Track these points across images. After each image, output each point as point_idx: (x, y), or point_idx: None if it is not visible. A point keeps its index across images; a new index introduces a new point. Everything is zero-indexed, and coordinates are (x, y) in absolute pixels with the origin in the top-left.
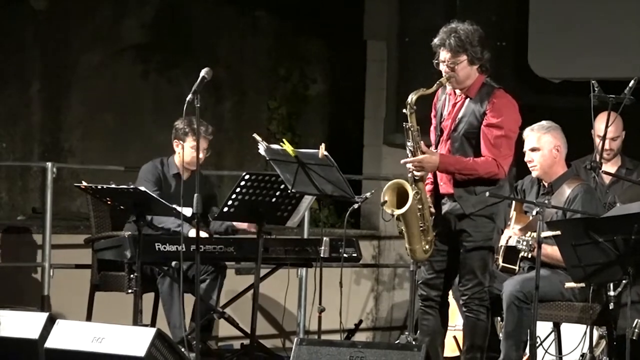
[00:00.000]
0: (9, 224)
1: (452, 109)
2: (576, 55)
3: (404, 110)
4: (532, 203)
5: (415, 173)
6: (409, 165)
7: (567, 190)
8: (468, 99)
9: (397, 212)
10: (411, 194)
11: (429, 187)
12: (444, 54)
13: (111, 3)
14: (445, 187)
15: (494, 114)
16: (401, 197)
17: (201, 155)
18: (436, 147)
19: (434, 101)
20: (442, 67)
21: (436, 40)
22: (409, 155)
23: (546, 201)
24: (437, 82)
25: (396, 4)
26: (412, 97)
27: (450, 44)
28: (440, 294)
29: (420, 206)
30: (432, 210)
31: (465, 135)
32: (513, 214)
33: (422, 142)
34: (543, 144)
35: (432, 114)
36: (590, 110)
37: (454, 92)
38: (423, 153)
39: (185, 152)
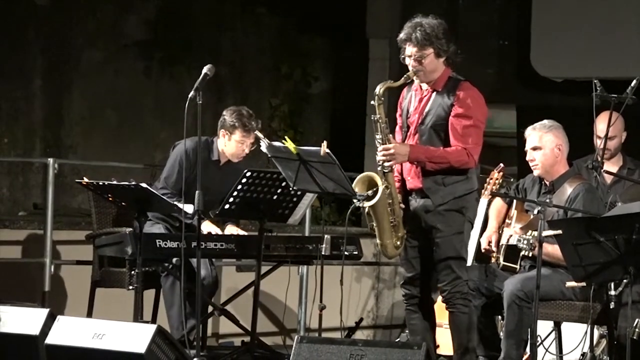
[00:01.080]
0: (10, 219)
1: (418, 104)
2: (578, 55)
3: (372, 102)
4: (533, 202)
5: (386, 163)
6: (379, 157)
7: (568, 189)
8: (435, 92)
9: (367, 204)
10: (381, 186)
11: (397, 185)
12: (410, 49)
13: None
14: (413, 181)
15: (462, 104)
16: (371, 190)
17: (247, 150)
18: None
19: (400, 100)
20: (409, 62)
21: (402, 35)
22: (378, 147)
23: (547, 200)
24: (405, 76)
25: (399, 2)
26: (379, 88)
27: (417, 38)
28: (423, 291)
29: (390, 201)
30: (402, 206)
31: (433, 127)
32: (514, 212)
33: (390, 135)
34: (545, 142)
35: (398, 113)
36: (592, 109)
37: (420, 87)
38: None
39: (230, 144)
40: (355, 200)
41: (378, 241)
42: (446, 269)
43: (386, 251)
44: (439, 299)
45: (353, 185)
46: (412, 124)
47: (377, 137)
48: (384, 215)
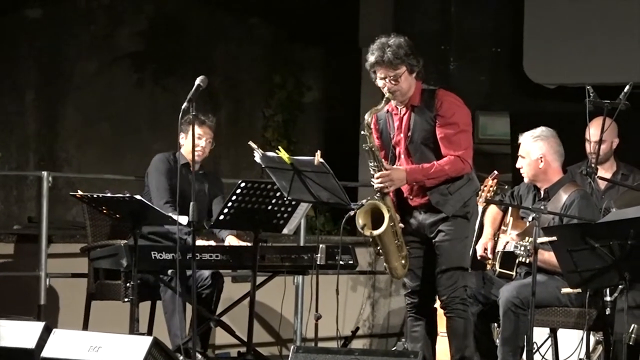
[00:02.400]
0: (5, 233)
1: (400, 124)
2: (571, 61)
3: (363, 132)
4: (528, 209)
5: (386, 190)
6: (377, 184)
7: (563, 197)
8: (414, 108)
9: (376, 232)
10: (386, 214)
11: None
12: (383, 71)
13: (106, 11)
14: (417, 199)
15: (444, 113)
16: (375, 217)
17: (203, 144)
18: (392, 165)
19: (373, 123)
20: (383, 85)
21: (371, 59)
22: (374, 175)
23: (542, 207)
24: (385, 99)
25: (391, 11)
26: (367, 118)
27: (389, 58)
28: (427, 301)
29: (392, 224)
30: (401, 225)
31: (423, 143)
32: (510, 219)
33: (384, 160)
34: (529, 152)
35: (375, 136)
36: (585, 115)
37: (396, 107)
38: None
39: (188, 142)
40: (351, 210)
41: (386, 265)
42: (447, 274)
43: (396, 273)
44: (437, 305)
45: (357, 216)
46: (399, 144)
47: (371, 164)
48: (390, 238)
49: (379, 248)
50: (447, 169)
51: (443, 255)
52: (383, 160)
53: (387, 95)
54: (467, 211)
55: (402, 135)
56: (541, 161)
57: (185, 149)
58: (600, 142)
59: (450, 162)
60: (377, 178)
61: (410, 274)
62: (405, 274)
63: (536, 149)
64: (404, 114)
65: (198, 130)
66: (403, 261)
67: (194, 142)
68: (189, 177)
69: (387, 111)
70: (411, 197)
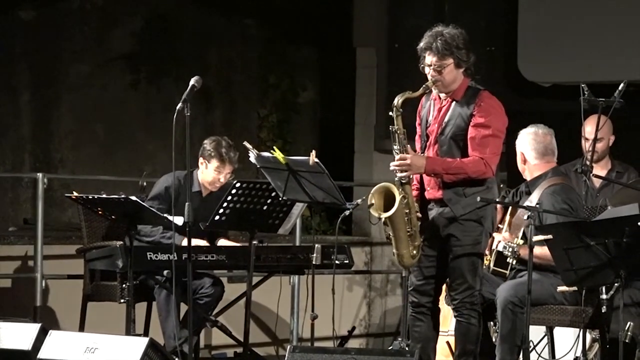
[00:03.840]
0: (1, 235)
1: (437, 114)
2: (566, 59)
3: (390, 113)
4: (523, 207)
5: (401, 174)
6: (394, 167)
7: (537, 193)
8: (454, 102)
9: (384, 215)
10: (398, 197)
11: (414, 193)
12: (430, 58)
13: (100, 13)
14: (433, 191)
15: (481, 114)
16: (388, 201)
17: (223, 180)
18: (423, 153)
19: (418, 110)
20: (428, 71)
21: (422, 44)
22: (395, 157)
23: (527, 203)
24: (424, 86)
25: (385, 11)
26: (398, 100)
27: (437, 47)
28: (431, 300)
29: (407, 210)
30: (419, 215)
31: (453, 137)
32: (507, 218)
33: (408, 145)
34: (517, 149)
35: (417, 122)
36: (580, 113)
37: (439, 97)
38: None
39: (207, 173)
40: (346, 210)
41: (394, 251)
42: (460, 278)
43: (402, 261)
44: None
45: (369, 196)
46: (432, 133)
47: (395, 147)
48: (401, 225)
49: (389, 233)
50: (468, 168)
51: (456, 259)
52: (407, 145)
53: (428, 82)
54: (481, 215)
55: (436, 125)
56: (522, 156)
57: (203, 178)
58: (595, 139)
59: (474, 162)
60: (396, 161)
61: (417, 272)
62: (412, 264)
63: (518, 146)
64: (444, 105)
65: (220, 165)
66: (414, 251)
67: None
68: (200, 205)
69: (433, 100)
70: (429, 188)
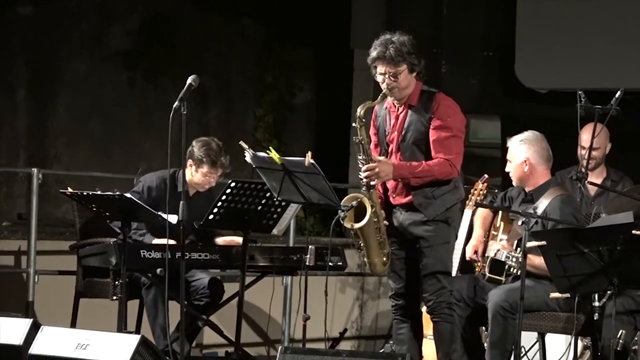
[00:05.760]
0: None
1: (395, 122)
2: (563, 66)
3: (354, 124)
4: (518, 213)
5: (371, 183)
6: (362, 176)
7: (544, 201)
8: (410, 108)
9: (357, 225)
10: (369, 209)
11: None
12: (383, 67)
13: (98, 10)
14: (399, 197)
15: (440, 116)
16: (358, 211)
17: (213, 184)
18: None
19: (372, 119)
20: (382, 79)
21: (374, 54)
22: (362, 168)
23: (531, 210)
24: (381, 95)
25: (383, 13)
26: (360, 110)
27: (390, 55)
28: (411, 303)
29: (375, 219)
30: (386, 222)
31: (415, 143)
32: (500, 223)
33: (373, 154)
34: (514, 155)
35: (372, 131)
36: (576, 120)
37: (394, 104)
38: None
39: (197, 176)
40: (340, 212)
41: (366, 260)
42: (432, 279)
43: (375, 269)
44: (424, 309)
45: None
46: (392, 141)
47: (360, 157)
48: (372, 234)
49: (360, 242)
50: (434, 171)
51: (427, 260)
52: (373, 153)
53: (384, 91)
54: (448, 216)
55: (395, 133)
56: (525, 164)
57: (191, 179)
58: (591, 147)
59: (439, 164)
60: (364, 171)
61: (394, 276)
62: (384, 270)
63: (521, 153)
64: (401, 112)
65: (210, 170)
66: (384, 258)
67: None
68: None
69: (386, 108)
70: (394, 195)
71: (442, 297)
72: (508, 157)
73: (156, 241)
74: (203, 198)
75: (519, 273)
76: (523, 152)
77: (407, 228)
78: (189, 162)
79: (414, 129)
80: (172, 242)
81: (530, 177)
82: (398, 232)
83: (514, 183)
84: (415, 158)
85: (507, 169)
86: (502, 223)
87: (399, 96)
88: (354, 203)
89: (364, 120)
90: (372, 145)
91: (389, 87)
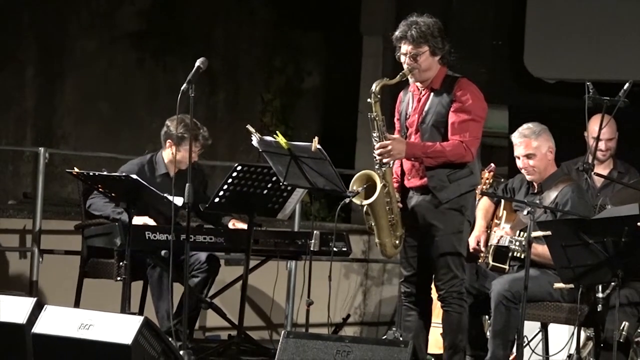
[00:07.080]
0: (0, 208)
1: (417, 104)
2: (572, 57)
3: (369, 100)
4: (523, 202)
5: (383, 160)
6: (376, 154)
7: (555, 191)
8: (433, 91)
9: (366, 202)
10: (379, 184)
11: (395, 185)
12: (405, 47)
13: None
14: (414, 180)
15: (461, 99)
16: (369, 190)
17: (196, 159)
18: None
19: (397, 105)
20: (404, 60)
21: (397, 33)
22: (375, 145)
23: (538, 201)
24: (400, 74)
25: (393, 0)
26: (375, 86)
27: (412, 35)
28: (421, 290)
29: (388, 199)
30: (400, 205)
31: (434, 125)
32: (503, 213)
33: (387, 132)
34: (537, 148)
35: (396, 117)
36: (584, 111)
37: (417, 88)
38: None
39: (180, 155)
40: (346, 197)
41: (377, 240)
42: (444, 268)
43: (385, 250)
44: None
45: (351, 183)
46: (412, 124)
47: (374, 134)
48: (382, 213)
49: (371, 222)
50: (447, 152)
51: (439, 249)
52: (386, 132)
53: (404, 70)
54: (462, 204)
55: (416, 115)
56: (550, 152)
57: (167, 157)
58: (597, 138)
59: (453, 145)
60: (378, 148)
61: (405, 263)
62: (395, 254)
63: (544, 143)
64: (423, 96)
65: (194, 144)
66: (396, 241)
67: (191, 123)
68: (169, 187)
69: (411, 92)
70: (409, 177)
71: (454, 287)
72: (530, 151)
73: (136, 220)
74: (194, 174)
75: (522, 256)
76: (545, 142)
77: (420, 213)
78: (168, 142)
79: (435, 112)
80: (151, 222)
81: (546, 166)
82: (411, 218)
83: (533, 178)
84: (434, 140)
85: (524, 165)
86: (504, 212)
87: (419, 78)
88: (360, 189)
89: (378, 96)
90: (395, 132)
91: (408, 68)
